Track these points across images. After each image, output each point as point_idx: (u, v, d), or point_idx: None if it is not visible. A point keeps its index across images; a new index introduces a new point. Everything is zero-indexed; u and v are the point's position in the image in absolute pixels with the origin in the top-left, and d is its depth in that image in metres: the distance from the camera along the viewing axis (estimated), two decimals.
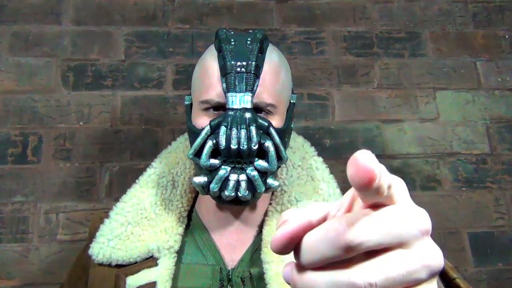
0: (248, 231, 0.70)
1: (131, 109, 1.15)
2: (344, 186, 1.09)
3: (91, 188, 1.08)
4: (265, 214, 0.71)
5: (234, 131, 0.58)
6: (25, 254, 1.02)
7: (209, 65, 0.65)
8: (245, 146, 0.58)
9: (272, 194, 0.73)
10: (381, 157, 1.17)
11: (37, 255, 1.02)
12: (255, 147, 0.58)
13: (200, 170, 0.63)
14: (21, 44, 1.18)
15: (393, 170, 1.16)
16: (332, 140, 1.18)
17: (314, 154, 0.79)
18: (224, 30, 0.67)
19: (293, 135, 0.82)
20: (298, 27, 1.27)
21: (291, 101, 0.71)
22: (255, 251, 0.67)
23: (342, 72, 1.24)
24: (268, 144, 0.60)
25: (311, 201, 0.72)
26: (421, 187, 1.15)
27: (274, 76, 0.65)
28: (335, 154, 1.16)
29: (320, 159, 0.79)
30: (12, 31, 1.19)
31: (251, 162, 0.60)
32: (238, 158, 0.59)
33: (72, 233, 1.04)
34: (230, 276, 0.64)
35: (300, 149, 0.79)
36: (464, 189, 1.16)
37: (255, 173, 0.60)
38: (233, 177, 0.60)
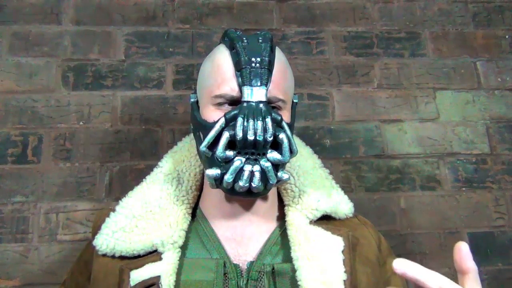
0: (254, 228, 0.71)
1: (131, 109, 1.15)
2: (343, 186, 1.10)
3: (91, 188, 1.08)
4: (283, 215, 0.73)
5: (251, 123, 0.60)
6: (25, 254, 1.02)
7: (222, 61, 0.68)
8: (261, 137, 0.60)
9: (287, 194, 0.76)
10: (381, 157, 1.17)
11: (37, 255, 1.02)
12: (270, 138, 0.61)
13: (212, 163, 0.65)
14: (21, 44, 1.18)
15: (393, 170, 1.16)
16: (332, 140, 1.17)
17: (321, 165, 0.83)
18: (233, 30, 0.70)
19: (302, 144, 0.86)
20: (298, 27, 1.27)
21: (294, 101, 0.74)
22: (271, 247, 0.68)
23: (342, 72, 1.24)
24: (283, 136, 0.62)
25: (328, 200, 0.74)
26: (421, 187, 1.15)
27: (283, 74, 0.68)
28: (335, 154, 1.16)
29: (327, 170, 0.83)
30: (12, 31, 1.19)
31: (264, 154, 0.62)
32: (253, 149, 0.62)
33: (72, 233, 1.04)
34: (241, 270, 0.64)
35: (309, 159, 0.82)
36: (464, 189, 1.16)
37: (268, 164, 0.62)
38: (248, 168, 0.62)
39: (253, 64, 0.64)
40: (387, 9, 1.31)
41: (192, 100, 0.73)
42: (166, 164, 0.79)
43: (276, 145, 0.63)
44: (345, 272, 0.64)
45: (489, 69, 1.27)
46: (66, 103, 1.14)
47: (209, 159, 0.65)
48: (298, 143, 0.85)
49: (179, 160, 0.79)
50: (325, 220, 0.73)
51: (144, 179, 0.78)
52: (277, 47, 0.72)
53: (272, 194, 0.75)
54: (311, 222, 0.71)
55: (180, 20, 1.25)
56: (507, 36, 1.31)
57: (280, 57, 0.69)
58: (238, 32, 0.69)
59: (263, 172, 0.62)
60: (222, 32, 1.25)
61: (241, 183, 0.61)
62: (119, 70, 1.18)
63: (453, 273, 0.44)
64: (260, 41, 0.67)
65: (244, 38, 0.67)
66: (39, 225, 1.04)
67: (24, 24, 1.20)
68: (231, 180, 0.62)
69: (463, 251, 0.44)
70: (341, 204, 0.76)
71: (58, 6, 1.22)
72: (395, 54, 1.27)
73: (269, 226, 0.72)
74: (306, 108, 1.20)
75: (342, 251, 0.67)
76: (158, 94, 1.17)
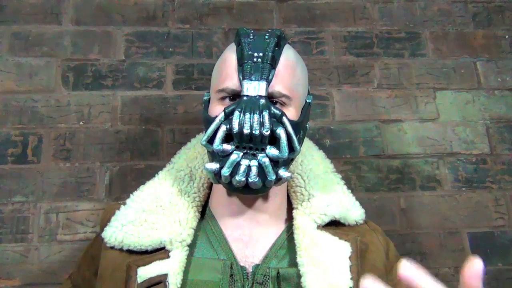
0: (262, 229, 0.70)
1: (131, 109, 1.15)
2: None
3: (91, 188, 1.08)
4: (291, 217, 0.72)
5: (247, 116, 0.60)
6: (25, 254, 1.02)
7: (227, 57, 0.69)
8: (257, 131, 0.60)
9: (297, 197, 0.75)
10: (381, 157, 1.17)
11: (37, 255, 1.02)
12: (267, 132, 0.60)
13: (213, 157, 0.65)
14: (21, 44, 1.18)
15: (393, 170, 1.16)
16: (332, 140, 1.17)
17: (333, 170, 0.81)
18: (245, 28, 0.71)
19: (315, 148, 0.85)
20: (298, 27, 1.27)
21: (307, 101, 0.73)
22: (277, 251, 0.68)
23: (342, 72, 1.24)
24: (280, 131, 0.62)
25: (338, 206, 0.73)
26: (421, 187, 1.15)
27: (290, 70, 0.68)
28: (335, 154, 1.15)
29: (339, 175, 0.81)
30: (12, 31, 1.19)
31: (263, 150, 0.62)
32: (250, 143, 0.61)
33: (72, 233, 1.04)
34: (247, 272, 0.64)
35: (322, 163, 0.81)
36: (464, 189, 1.16)
37: (266, 159, 0.62)
38: (245, 162, 0.62)
39: (255, 59, 0.64)
40: (387, 9, 1.31)
41: (205, 98, 0.74)
42: (179, 160, 0.79)
43: (276, 141, 0.63)
44: (351, 279, 0.63)
45: (489, 69, 1.27)
46: (66, 103, 1.14)
47: (210, 154, 0.66)
48: (310, 146, 0.84)
49: (192, 157, 0.79)
50: (334, 225, 0.72)
51: (156, 174, 0.78)
52: (288, 45, 0.71)
53: (281, 195, 0.74)
54: (318, 227, 0.70)
55: (180, 20, 1.25)
56: (507, 36, 1.31)
57: (288, 54, 0.69)
58: (249, 30, 0.70)
59: (260, 167, 0.62)
60: (222, 32, 1.26)
61: (237, 178, 0.61)
62: (119, 70, 1.18)
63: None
64: (267, 37, 0.67)
65: (251, 35, 0.68)
66: (39, 225, 1.04)
67: (24, 24, 1.20)
68: (227, 173, 0.62)
69: (474, 271, 0.34)
70: (351, 211, 0.75)
71: (58, 6, 1.22)
72: (395, 54, 1.27)
73: (277, 228, 0.72)
74: None
75: (349, 257, 0.66)
76: (158, 94, 1.17)
